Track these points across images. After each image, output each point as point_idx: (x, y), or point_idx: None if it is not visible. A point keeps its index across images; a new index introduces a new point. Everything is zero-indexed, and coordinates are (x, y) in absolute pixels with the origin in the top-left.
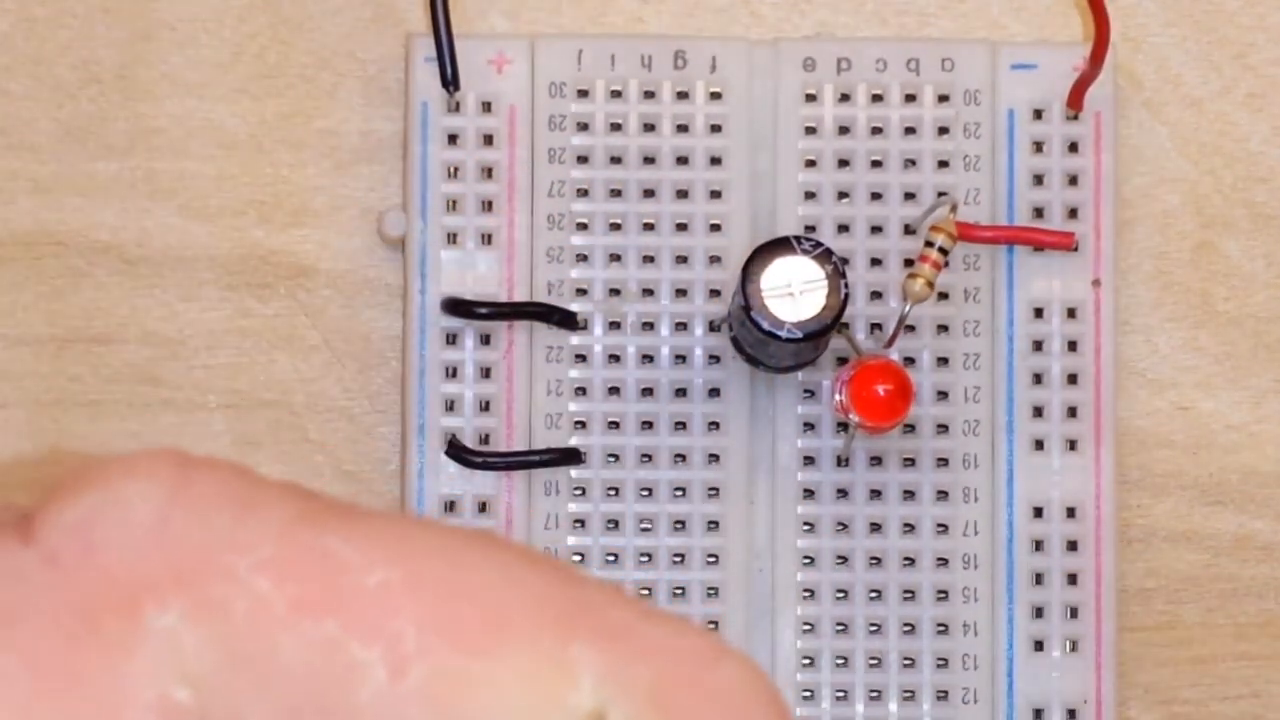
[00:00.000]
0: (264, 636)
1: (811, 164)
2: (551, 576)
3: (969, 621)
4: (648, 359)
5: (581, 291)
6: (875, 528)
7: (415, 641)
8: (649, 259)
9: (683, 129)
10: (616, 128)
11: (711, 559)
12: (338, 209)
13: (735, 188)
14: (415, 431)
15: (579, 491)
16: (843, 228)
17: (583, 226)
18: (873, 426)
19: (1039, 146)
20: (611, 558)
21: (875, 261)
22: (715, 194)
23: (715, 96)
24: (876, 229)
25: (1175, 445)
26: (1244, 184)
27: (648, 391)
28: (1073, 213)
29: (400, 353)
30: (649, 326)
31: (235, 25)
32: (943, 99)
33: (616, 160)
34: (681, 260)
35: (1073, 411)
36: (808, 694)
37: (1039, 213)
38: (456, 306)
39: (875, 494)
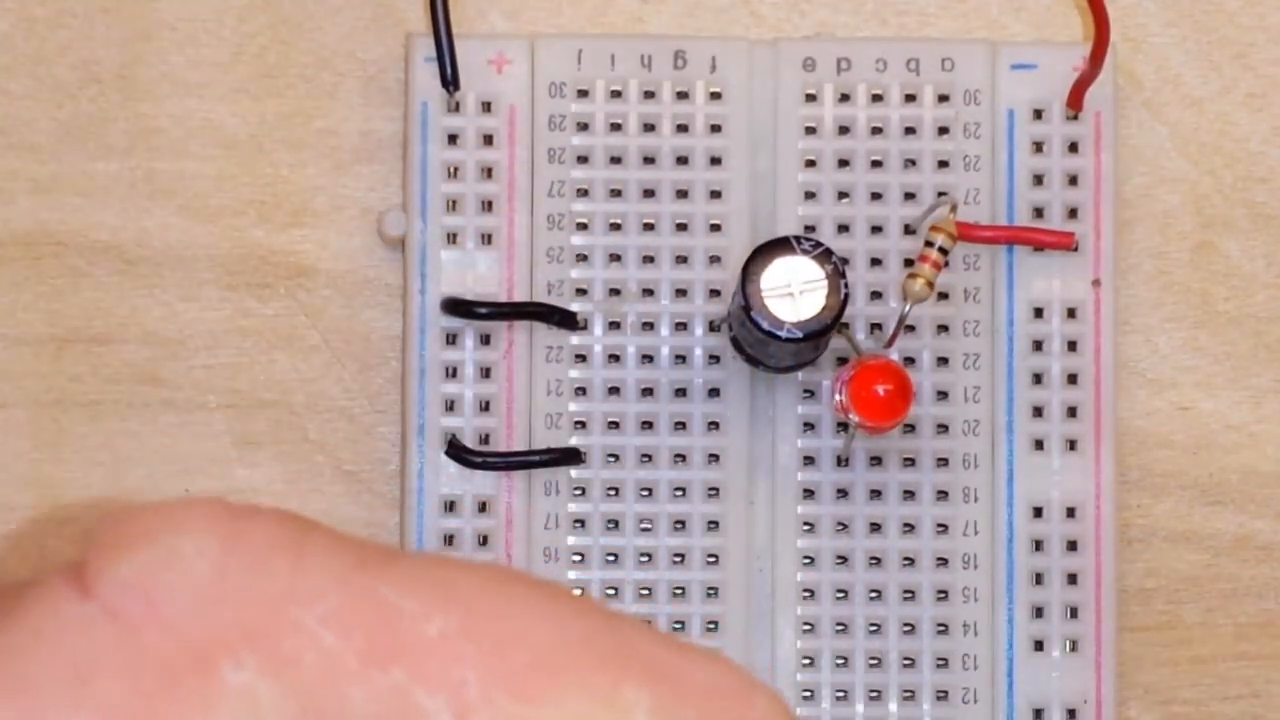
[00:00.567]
0: (335, 688)
1: (811, 164)
2: (590, 616)
3: (969, 621)
4: (648, 359)
5: (581, 291)
6: (875, 528)
7: (477, 689)
8: (649, 259)
9: (683, 129)
10: (616, 128)
11: (711, 559)
12: (338, 209)
13: (735, 188)
14: (415, 431)
15: (579, 491)
16: (843, 228)
17: (583, 226)
18: (873, 426)
19: (1039, 146)
20: (611, 558)
21: (875, 261)
22: (715, 194)
23: (715, 96)
24: (876, 229)
25: (1175, 445)
26: (1244, 184)
27: (648, 391)
28: (1073, 213)
29: (400, 353)
30: (649, 326)
31: (235, 25)
32: (943, 99)
33: (616, 160)
34: (681, 260)
35: (1073, 411)
36: (808, 694)
37: (1039, 213)
38: (456, 306)
39: (875, 494)
